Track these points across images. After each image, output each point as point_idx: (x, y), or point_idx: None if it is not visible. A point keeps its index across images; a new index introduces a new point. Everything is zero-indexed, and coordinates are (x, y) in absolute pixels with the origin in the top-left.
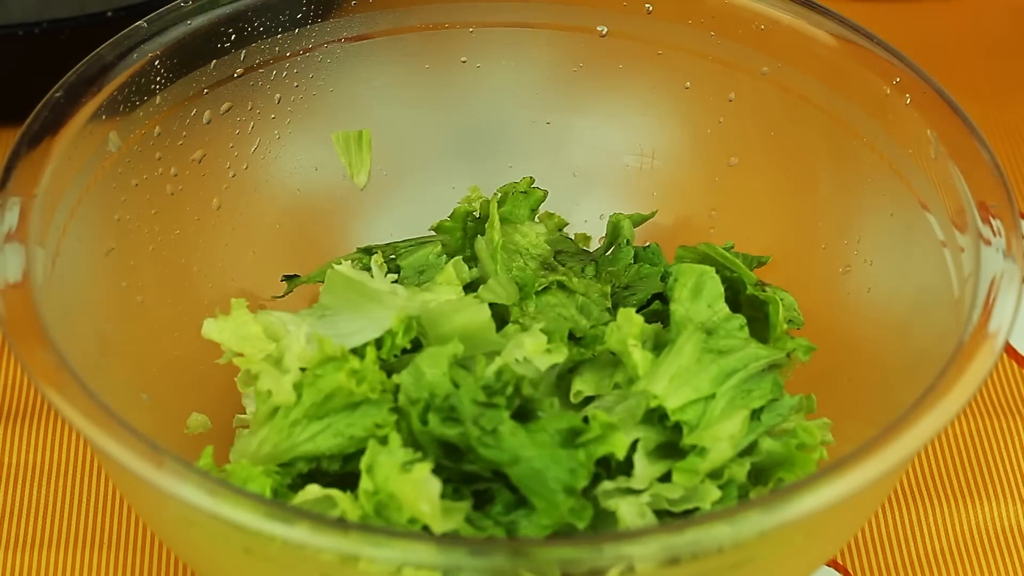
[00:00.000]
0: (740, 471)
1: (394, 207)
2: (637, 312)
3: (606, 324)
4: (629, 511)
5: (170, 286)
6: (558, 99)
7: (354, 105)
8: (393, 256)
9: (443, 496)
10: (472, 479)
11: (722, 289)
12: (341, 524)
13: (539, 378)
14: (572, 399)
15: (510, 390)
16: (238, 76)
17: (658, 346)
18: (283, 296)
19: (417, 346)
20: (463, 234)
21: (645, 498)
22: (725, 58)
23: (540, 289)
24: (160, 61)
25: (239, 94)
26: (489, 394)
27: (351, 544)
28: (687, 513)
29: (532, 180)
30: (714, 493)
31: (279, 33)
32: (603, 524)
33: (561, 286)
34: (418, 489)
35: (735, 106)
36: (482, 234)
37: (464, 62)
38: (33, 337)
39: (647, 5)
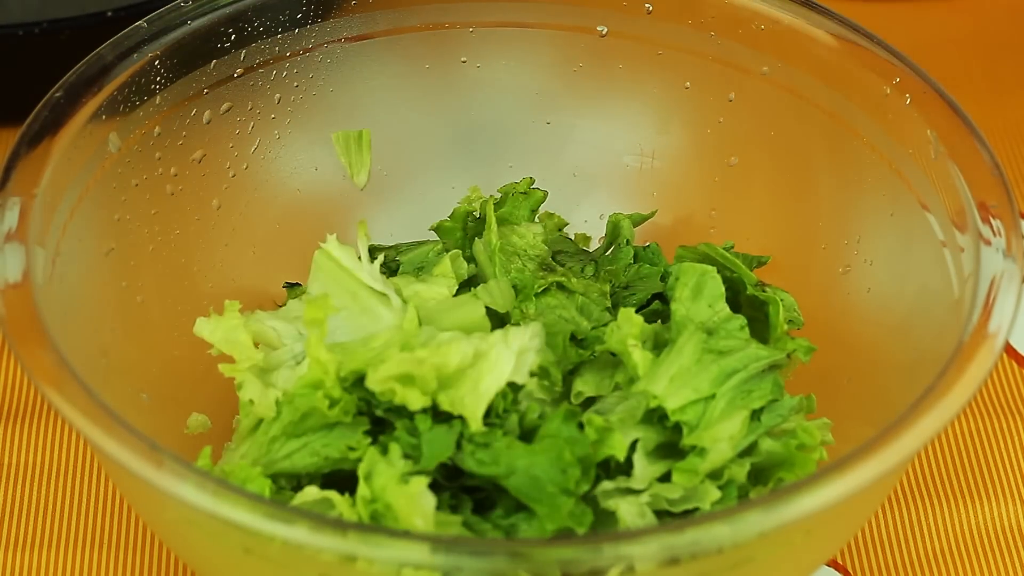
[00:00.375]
0: (740, 471)
1: (394, 207)
2: (637, 312)
3: (606, 325)
4: (629, 511)
5: (170, 286)
6: (558, 99)
7: (354, 105)
8: (396, 258)
9: (439, 507)
10: (472, 488)
11: (723, 289)
12: (340, 524)
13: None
14: (573, 400)
15: (514, 419)
16: (238, 76)
17: (658, 345)
18: (284, 305)
19: None
20: (463, 234)
21: (645, 498)
22: (725, 58)
23: (540, 291)
24: (160, 61)
25: (239, 94)
26: (489, 420)
27: (350, 544)
28: (687, 513)
29: (532, 180)
30: (714, 493)
31: (279, 33)
32: (603, 524)
33: (560, 287)
34: (413, 503)
35: (735, 106)
36: (481, 235)
37: (464, 62)
38: (33, 337)
39: (647, 5)
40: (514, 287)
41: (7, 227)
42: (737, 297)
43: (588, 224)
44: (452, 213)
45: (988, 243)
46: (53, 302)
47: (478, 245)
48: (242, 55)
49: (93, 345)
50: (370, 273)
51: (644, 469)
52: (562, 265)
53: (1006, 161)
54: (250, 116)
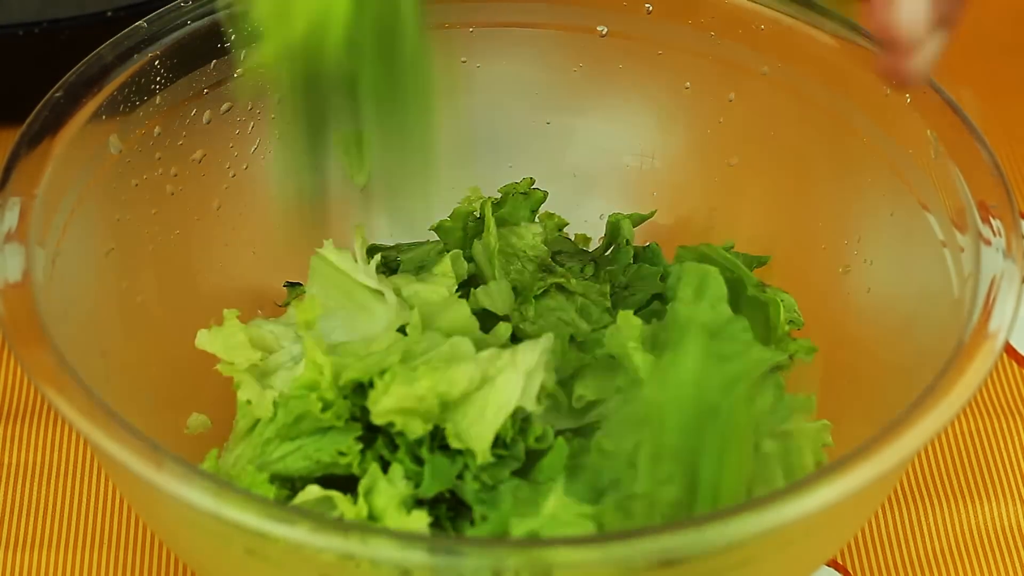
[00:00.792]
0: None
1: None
2: (636, 312)
3: (606, 327)
4: None
5: (170, 286)
6: (558, 99)
7: None
8: (397, 258)
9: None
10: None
11: (725, 290)
12: (341, 524)
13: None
14: (575, 404)
15: (521, 447)
16: (238, 76)
17: (656, 346)
18: (285, 304)
19: None
20: (463, 234)
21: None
22: (725, 58)
23: (539, 292)
24: (160, 61)
25: (239, 94)
26: (496, 447)
27: (351, 544)
28: None
29: (532, 181)
30: None
31: None
32: None
33: (560, 288)
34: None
35: (735, 106)
36: (481, 235)
37: (464, 62)
38: (33, 337)
39: (647, 5)
40: (514, 289)
41: (7, 227)
42: (738, 298)
43: (588, 224)
44: (452, 213)
45: (988, 243)
46: (53, 302)
47: (477, 247)
48: (242, 55)
49: (93, 345)
50: (365, 272)
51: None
52: (562, 265)
53: (1006, 161)
54: (250, 116)
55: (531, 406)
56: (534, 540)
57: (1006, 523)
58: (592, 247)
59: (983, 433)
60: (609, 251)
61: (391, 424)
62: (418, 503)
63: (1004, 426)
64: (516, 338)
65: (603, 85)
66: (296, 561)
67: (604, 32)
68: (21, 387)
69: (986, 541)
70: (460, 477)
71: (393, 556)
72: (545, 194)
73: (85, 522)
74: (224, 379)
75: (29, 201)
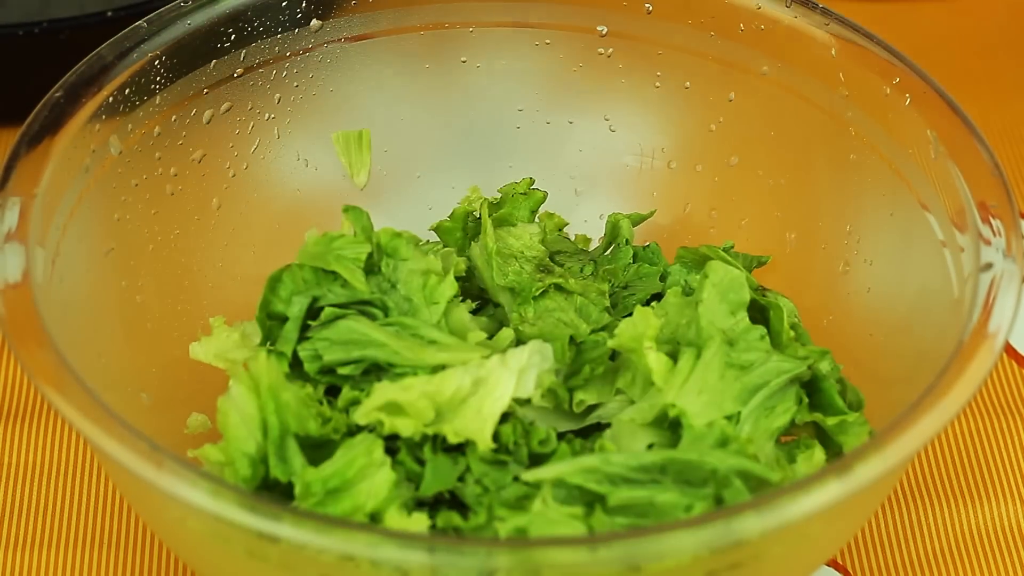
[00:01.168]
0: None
1: (394, 207)
2: None
3: (605, 327)
4: None
5: (170, 286)
6: (558, 99)
7: (354, 105)
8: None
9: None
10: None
11: (748, 298)
12: (343, 524)
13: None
14: (575, 409)
15: (524, 451)
16: (238, 76)
17: (666, 343)
18: None
19: None
20: (463, 234)
21: None
22: (725, 58)
23: (538, 294)
24: (160, 61)
25: (239, 94)
26: (497, 450)
27: (351, 545)
28: None
29: (532, 181)
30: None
31: (279, 33)
32: None
33: (558, 288)
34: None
35: (735, 106)
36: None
37: (464, 62)
38: (33, 337)
39: (647, 5)
40: (512, 290)
41: (7, 227)
42: None
43: (588, 224)
44: (452, 213)
45: (988, 243)
46: (53, 302)
47: (474, 249)
48: (242, 55)
49: (93, 345)
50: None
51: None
52: (561, 265)
53: (1006, 161)
54: (250, 116)
55: (527, 394)
56: (532, 541)
57: (1006, 523)
58: (592, 247)
59: (983, 433)
60: (609, 251)
61: (379, 426)
62: (419, 505)
63: (1004, 426)
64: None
65: (603, 85)
66: (296, 561)
67: (604, 32)
68: (21, 387)
69: (986, 541)
70: (462, 480)
71: (393, 557)
72: (545, 194)
73: (85, 522)
74: (224, 379)
75: (29, 201)
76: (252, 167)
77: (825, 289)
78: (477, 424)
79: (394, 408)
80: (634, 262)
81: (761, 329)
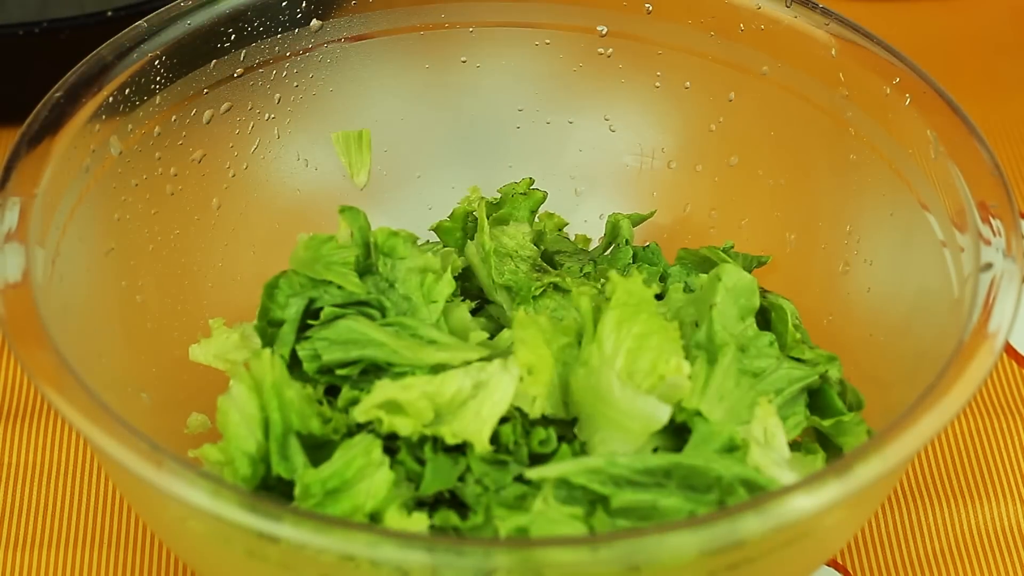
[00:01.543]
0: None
1: (394, 207)
2: None
3: None
4: None
5: (170, 286)
6: (558, 99)
7: (354, 105)
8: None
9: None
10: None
11: (758, 303)
12: (343, 524)
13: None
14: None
15: (524, 451)
16: (238, 76)
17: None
18: None
19: None
20: (463, 234)
21: None
22: (725, 58)
23: (538, 293)
24: (160, 61)
25: (239, 94)
26: (497, 450)
27: (351, 545)
28: None
29: (532, 181)
30: None
31: (279, 33)
32: None
33: (556, 287)
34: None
35: (735, 106)
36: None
37: (464, 62)
38: (33, 337)
39: (647, 5)
40: (509, 289)
41: (7, 227)
42: None
43: (588, 224)
44: (452, 213)
45: (988, 243)
46: (53, 302)
47: (471, 247)
48: (242, 55)
49: (93, 345)
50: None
51: None
52: (561, 265)
53: (1006, 161)
54: (250, 116)
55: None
56: (532, 540)
57: (1006, 523)
58: (592, 247)
59: (983, 433)
60: (609, 251)
61: (378, 424)
62: (418, 505)
63: (1004, 426)
64: None
65: (603, 85)
66: (296, 561)
67: (604, 32)
68: (21, 387)
69: (986, 541)
70: (462, 479)
71: (393, 556)
72: (545, 194)
73: (85, 522)
74: (224, 378)
75: (29, 201)
76: (252, 167)
77: (825, 289)
78: (475, 426)
79: (394, 407)
80: (634, 262)
81: (770, 335)
